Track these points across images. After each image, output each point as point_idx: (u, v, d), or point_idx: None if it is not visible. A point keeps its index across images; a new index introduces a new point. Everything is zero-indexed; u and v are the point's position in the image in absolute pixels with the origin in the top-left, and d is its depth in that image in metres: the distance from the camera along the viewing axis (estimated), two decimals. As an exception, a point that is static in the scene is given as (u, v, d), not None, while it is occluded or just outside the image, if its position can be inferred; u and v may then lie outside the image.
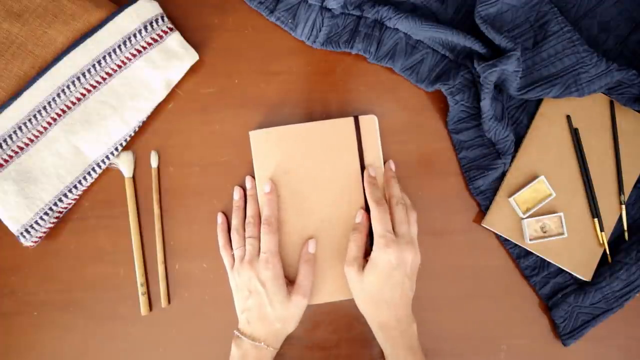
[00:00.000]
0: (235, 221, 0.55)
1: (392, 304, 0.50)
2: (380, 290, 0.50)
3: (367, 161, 0.56)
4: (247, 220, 0.54)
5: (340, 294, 0.55)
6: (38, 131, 0.54)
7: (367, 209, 0.54)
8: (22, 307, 0.57)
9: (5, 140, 0.54)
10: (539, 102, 0.58)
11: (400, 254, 0.50)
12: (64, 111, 0.55)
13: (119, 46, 0.55)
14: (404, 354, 0.49)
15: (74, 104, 0.55)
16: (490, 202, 0.57)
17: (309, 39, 0.57)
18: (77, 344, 0.57)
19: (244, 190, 0.57)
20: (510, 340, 0.58)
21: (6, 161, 0.54)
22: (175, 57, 0.56)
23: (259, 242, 0.53)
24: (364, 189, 0.55)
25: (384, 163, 0.56)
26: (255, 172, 0.55)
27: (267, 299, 0.50)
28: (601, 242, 0.56)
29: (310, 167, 0.55)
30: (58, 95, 0.54)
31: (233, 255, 0.55)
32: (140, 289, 0.56)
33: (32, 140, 0.55)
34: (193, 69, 0.58)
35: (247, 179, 0.57)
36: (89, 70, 0.55)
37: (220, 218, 0.57)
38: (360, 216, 0.54)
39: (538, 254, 0.57)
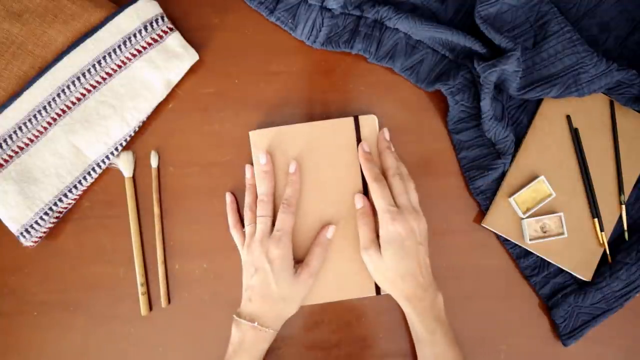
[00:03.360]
0: (248, 199, 0.55)
1: (414, 274, 0.51)
2: (399, 263, 0.50)
3: (367, 161, 0.56)
4: (260, 198, 0.53)
5: (340, 294, 0.55)
6: (38, 131, 0.54)
7: (365, 188, 0.55)
8: (22, 307, 0.57)
9: (5, 140, 0.54)
10: (539, 102, 0.58)
11: (407, 224, 0.50)
12: (64, 111, 0.55)
13: (119, 46, 0.55)
14: (434, 326, 0.50)
15: (74, 104, 0.55)
16: (490, 202, 0.57)
17: (309, 39, 0.57)
18: (77, 344, 0.57)
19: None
20: (510, 340, 0.58)
21: (6, 161, 0.54)
22: (175, 57, 0.56)
23: (271, 221, 0.53)
24: (364, 188, 0.55)
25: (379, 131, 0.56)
26: (255, 172, 0.55)
27: (273, 276, 0.50)
28: (601, 242, 0.56)
29: (310, 167, 0.55)
30: (58, 95, 0.54)
31: (244, 233, 0.55)
32: (140, 289, 0.56)
33: (32, 140, 0.55)
34: (193, 69, 0.58)
35: (247, 168, 0.56)
36: (89, 70, 0.55)
37: (229, 197, 0.57)
38: (360, 200, 0.54)
39: (538, 254, 0.57)
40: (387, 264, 0.51)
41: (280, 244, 0.51)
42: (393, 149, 0.55)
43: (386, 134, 0.55)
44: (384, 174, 0.54)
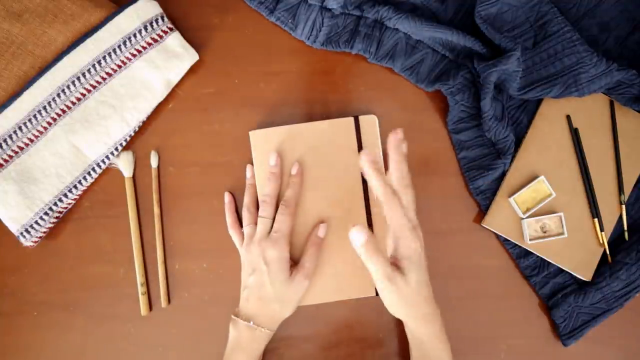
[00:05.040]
0: (247, 199, 0.56)
1: (430, 292, 0.48)
2: (422, 283, 0.46)
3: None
4: (263, 199, 0.54)
5: (340, 294, 0.55)
6: (38, 131, 0.54)
7: (365, 189, 0.55)
8: (22, 307, 0.57)
9: (5, 140, 0.54)
10: (539, 102, 0.58)
11: (420, 240, 0.46)
12: (64, 111, 0.55)
13: (119, 46, 0.55)
14: (446, 344, 0.49)
15: (74, 104, 0.55)
16: (490, 202, 0.57)
17: (309, 39, 0.57)
18: (77, 343, 0.57)
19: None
20: (510, 340, 0.58)
21: (6, 161, 0.54)
22: (175, 57, 0.56)
23: (271, 223, 0.53)
24: (364, 188, 0.55)
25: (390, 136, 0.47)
26: (256, 172, 0.56)
27: (269, 278, 0.51)
28: (601, 242, 0.56)
29: (310, 167, 0.55)
30: (58, 95, 0.54)
31: (242, 232, 0.55)
32: (140, 289, 0.56)
33: (32, 140, 0.55)
34: (193, 69, 0.58)
35: (248, 168, 0.57)
36: (89, 70, 0.55)
37: (227, 197, 0.57)
38: (364, 233, 0.45)
39: (538, 254, 0.57)
40: (412, 286, 0.46)
41: (277, 245, 0.51)
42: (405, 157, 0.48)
43: (399, 133, 0.47)
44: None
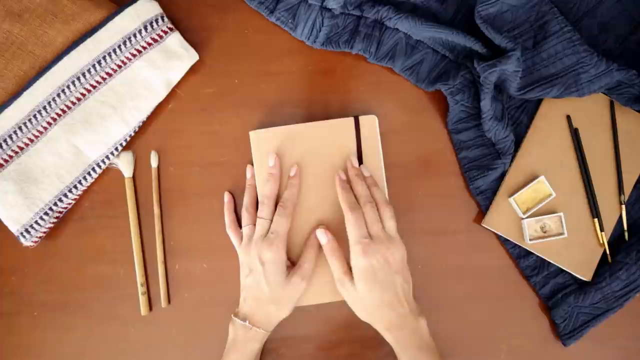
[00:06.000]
0: (247, 199, 0.56)
1: (391, 304, 0.49)
2: (374, 294, 0.49)
3: (367, 161, 0.56)
4: (261, 200, 0.54)
5: (339, 294, 0.55)
6: (38, 131, 0.54)
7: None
8: (22, 307, 0.57)
9: (5, 140, 0.54)
10: (539, 102, 0.58)
11: (379, 255, 0.49)
12: (64, 111, 0.55)
13: (119, 46, 0.55)
14: (418, 356, 0.49)
15: (74, 104, 0.55)
16: (490, 202, 0.57)
17: (309, 39, 0.57)
18: (77, 344, 0.57)
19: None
20: (510, 340, 0.58)
21: (6, 161, 0.54)
22: (175, 57, 0.56)
23: (269, 224, 0.52)
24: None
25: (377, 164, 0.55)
26: (256, 172, 0.56)
27: (265, 278, 0.51)
28: (601, 242, 0.56)
29: (310, 167, 0.55)
30: (58, 95, 0.54)
31: (240, 233, 0.55)
32: (140, 289, 0.56)
33: (32, 140, 0.55)
34: (193, 69, 0.58)
35: (248, 169, 0.57)
36: (89, 70, 0.55)
37: (227, 197, 0.57)
38: (323, 236, 0.52)
39: (538, 254, 0.57)
40: (361, 295, 0.50)
41: (273, 246, 0.51)
42: (368, 174, 0.54)
43: (354, 161, 0.54)
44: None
